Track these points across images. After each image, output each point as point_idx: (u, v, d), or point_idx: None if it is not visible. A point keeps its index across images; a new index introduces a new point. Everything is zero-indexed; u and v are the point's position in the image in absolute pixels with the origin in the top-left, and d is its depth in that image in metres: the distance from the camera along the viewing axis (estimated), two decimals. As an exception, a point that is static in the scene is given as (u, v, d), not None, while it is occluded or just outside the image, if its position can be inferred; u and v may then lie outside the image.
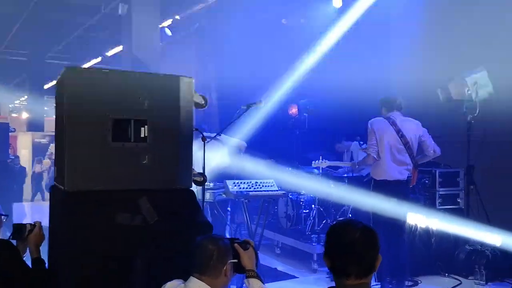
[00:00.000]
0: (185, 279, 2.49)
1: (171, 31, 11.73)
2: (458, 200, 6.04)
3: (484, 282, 5.50)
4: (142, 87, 2.83)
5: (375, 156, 5.07)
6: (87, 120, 2.70)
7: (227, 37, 10.73)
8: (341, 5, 9.39)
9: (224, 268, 2.39)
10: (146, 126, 2.83)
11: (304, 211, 6.60)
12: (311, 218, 6.43)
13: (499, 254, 5.67)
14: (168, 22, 11.51)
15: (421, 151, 5.20)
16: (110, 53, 14.15)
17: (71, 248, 2.65)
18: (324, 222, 6.45)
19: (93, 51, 14.75)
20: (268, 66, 9.58)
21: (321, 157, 6.12)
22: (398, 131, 5.02)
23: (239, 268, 2.55)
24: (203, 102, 3.08)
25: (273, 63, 9.57)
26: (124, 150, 2.79)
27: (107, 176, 2.75)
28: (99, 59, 15.12)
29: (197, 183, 3.05)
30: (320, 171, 6.51)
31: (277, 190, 5.16)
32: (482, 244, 6.01)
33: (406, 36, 7.97)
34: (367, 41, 8.07)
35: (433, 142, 5.17)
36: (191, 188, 2.98)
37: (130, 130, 2.81)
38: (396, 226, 4.98)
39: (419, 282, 5.48)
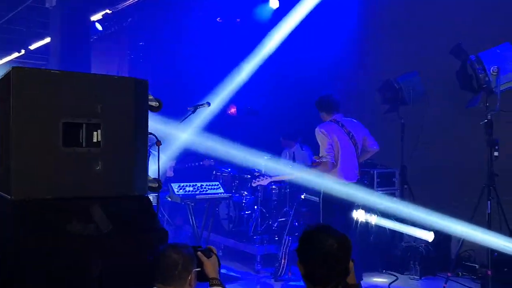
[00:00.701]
0: None
1: (101, 26, 11.29)
2: (394, 199, 6.26)
3: (418, 277, 5.76)
4: (95, 90, 2.68)
5: (333, 162, 4.92)
6: (36, 123, 2.51)
7: (160, 34, 10.50)
8: (278, 6, 9.48)
9: (189, 277, 2.31)
10: (99, 130, 2.68)
11: (246, 212, 6.58)
12: (254, 220, 6.42)
13: (431, 249, 5.96)
14: (99, 16, 11.06)
15: (362, 149, 5.26)
16: (33, 46, 13.40)
17: (18, 261, 2.45)
18: (266, 223, 6.47)
19: (15, 44, 13.89)
20: (203, 64, 9.49)
21: (259, 173, 6.01)
22: (349, 133, 5.02)
23: (202, 277, 2.48)
24: (157, 105, 2.96)
25: (208, 62, 9.49)
26: (75, 156, 2.62)
27: (58, 184, 2.57)
28: (22, 52, 14.25)
29: (152, 190, 2.93)
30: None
31: (223, 193, 5.10)
32: (416, 241, 6.31)
33: (343, 38, 8.18)
34: (306, 43, 8.19)
35: (373, 137, 5.26)
36: (146, 195, 2.86)
37: (82, 135, 2.65)
38: (346, 225, 5.07)
39: (362, 278, 5.61)
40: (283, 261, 5.60)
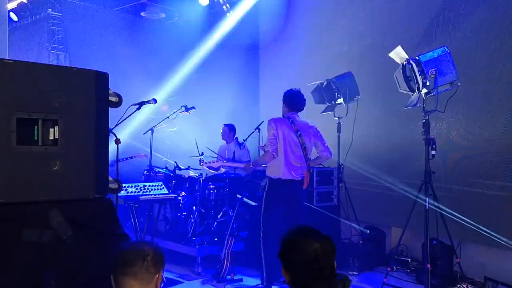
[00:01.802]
0: None
1: (17, 16, 10.55)
2: (332, 197, 6.38)
3: (357, 273, 5.90)
4: (52, 82, 2.45)
5: (273, 153, 5.02)
6: (-12, 121, 2.24)
7: (82, 27, 9.98)
8: (208, 3, 9.36)
9: (157, 276, 2.14)
10: (57, 127, 2.45)
11: (184, 213, 6.40)
12: (192, 220, 6.25)
13: (368, 245, 6.15)
14: (13, 4, 10.31)
15: (315, 154, 5.33)
16: None
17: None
18: (205, 223, 6.33)
19: None
20: (131, 60, 9.15)
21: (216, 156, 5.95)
22: (297, 131, 5.07)
23: None
24: (117, 100, 2.75)
25: (136, 57, 9.18)
26: (31, 155, 2.38)
27: (12, 186, 2.32)
28: None
29: (112, 191, 2.73)
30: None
31: (167, 194, 4.91)
32: (352, 237, 6.49)
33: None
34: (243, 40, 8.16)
35: (326, 145, 5.31)
36: (107, 197, 2.66)
37: (38, 132, 2.41)
38: (287, 224, 5.07)
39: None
40: (225, 262, 5.50)
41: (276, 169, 5.08)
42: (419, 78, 4.89)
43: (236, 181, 6.49)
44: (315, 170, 6.14)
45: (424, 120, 4.99)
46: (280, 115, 5.33)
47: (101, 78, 2.61)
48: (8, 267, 2.27)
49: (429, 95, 4.97)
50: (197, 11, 9.73)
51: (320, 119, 6.66)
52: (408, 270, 5.93)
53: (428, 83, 4.86)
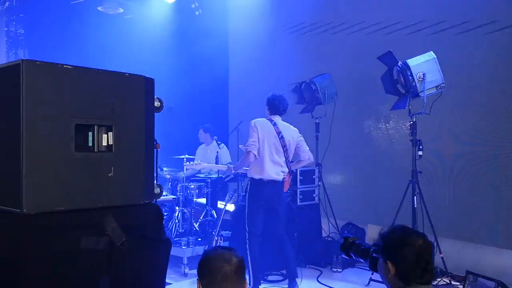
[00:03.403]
0: None
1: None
2: (314, 196, 6.54)
3: (341, 269, 6.07)
4: (106, 87, 2.40)
5: (255, 154, 5.05)
6: (48, 126, 2.19)
7: (41, 21, 9.61)
8: (174, 0, 9.27)
9: (245, 286, 2.08)
10: (110, 133, 2.41)
11: (165, 214, 6.34)
12: (176, 221, 6.21)
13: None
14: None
15: (296, 157, 5.44)
16: None
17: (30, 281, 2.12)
18: (188, 224, 6.31)
19: None
20: (85, 56, 8.89)
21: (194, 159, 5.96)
22: (279, 133, 5.15)
23: None
24: (159, 105, 2.73)
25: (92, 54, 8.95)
26: (88, 162, 2.33)
27: (71, 193, 2.27)
28: None
29: (156, 196, 2.70)
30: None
31: (166, 194, 4.86)
32: (332, 235, 6.68)
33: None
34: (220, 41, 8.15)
35: (307, 148, 5.42)
36: (155, 203, 2.64)
37: (94, 138, 2.37)
38: (271, 224, 5.20)
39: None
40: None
41: (258, 170, 5.12)
42: (409, 81, 5.11)
43: (217, 181, 6.52)
44: (298, 170, 6.26)
45: (411, 122, 5.24)
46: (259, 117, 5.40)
47: (148, 83, 2.59)
48: (68, 276, 2.22)
49: (415, 98, 5.22)
50: (159, 8, 9.62)
51: (299, 119, 6.81)
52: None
53: (415, 86, 5.10)
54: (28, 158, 2.12)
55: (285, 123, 5.33)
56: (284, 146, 5.21)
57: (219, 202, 6.76)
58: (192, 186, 6.48)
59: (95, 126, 2.36)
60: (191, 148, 7.33)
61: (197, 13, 9.14)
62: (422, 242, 2.11)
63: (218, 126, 7.97)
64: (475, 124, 5.68)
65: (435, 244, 5.40)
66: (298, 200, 6.31)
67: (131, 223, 2.46)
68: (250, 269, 5.11)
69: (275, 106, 5.22)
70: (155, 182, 2.70)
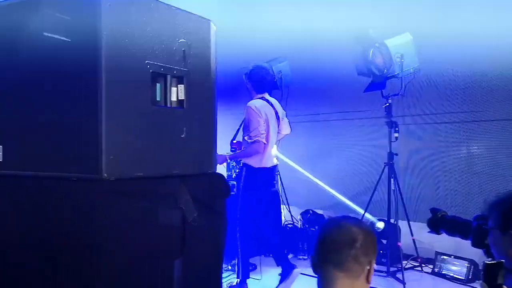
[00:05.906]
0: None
1: None
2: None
3: (306, 256, 5.90)
4: (178, 30, 1.96)
5: (266, 143, 4.47)
6: (128, 74, 1.72)
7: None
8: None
9: (368, 268, 1.73)
10: (182, 85, 1.98)
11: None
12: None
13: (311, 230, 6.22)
14: None
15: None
16: None
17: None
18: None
19: None
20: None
21: None
22: (276, 113, 4.68)
23: None
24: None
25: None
26: (163, 119, 1.89)
27: (147, 159, 1.82)
28: None
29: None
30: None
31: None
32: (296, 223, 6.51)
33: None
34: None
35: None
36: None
37: (166, 90, 1.93)
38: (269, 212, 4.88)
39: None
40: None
41: (261, 158, 4.56)
42: (386, 62, 5.06)
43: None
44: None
45: (387, 104, 5.20)
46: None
47: (214, 30, 2.17)
48: (145, 246, 1.78)
49: (391, 79, 5.19)
50: None
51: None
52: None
53: (392, 68, 5.08)
54: (109, 116, 1.64)
55: (274, 99, 4.87)
56: (279, 126, 4.79)
57: None
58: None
59: (168, 76, 1.92)
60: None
61: None
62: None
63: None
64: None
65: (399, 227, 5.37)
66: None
67: (198, 195, 2.04)
68: (240, 262, 4.64)
69: (264, 82, 4.66)
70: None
